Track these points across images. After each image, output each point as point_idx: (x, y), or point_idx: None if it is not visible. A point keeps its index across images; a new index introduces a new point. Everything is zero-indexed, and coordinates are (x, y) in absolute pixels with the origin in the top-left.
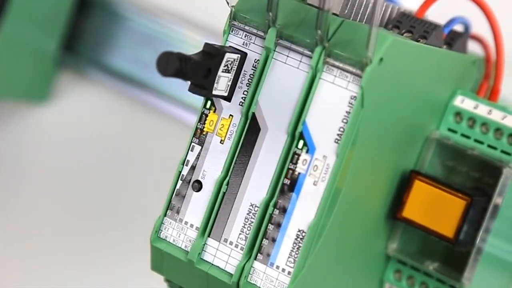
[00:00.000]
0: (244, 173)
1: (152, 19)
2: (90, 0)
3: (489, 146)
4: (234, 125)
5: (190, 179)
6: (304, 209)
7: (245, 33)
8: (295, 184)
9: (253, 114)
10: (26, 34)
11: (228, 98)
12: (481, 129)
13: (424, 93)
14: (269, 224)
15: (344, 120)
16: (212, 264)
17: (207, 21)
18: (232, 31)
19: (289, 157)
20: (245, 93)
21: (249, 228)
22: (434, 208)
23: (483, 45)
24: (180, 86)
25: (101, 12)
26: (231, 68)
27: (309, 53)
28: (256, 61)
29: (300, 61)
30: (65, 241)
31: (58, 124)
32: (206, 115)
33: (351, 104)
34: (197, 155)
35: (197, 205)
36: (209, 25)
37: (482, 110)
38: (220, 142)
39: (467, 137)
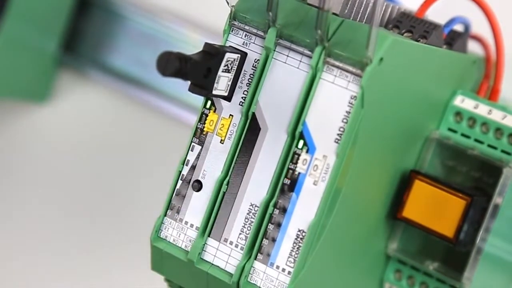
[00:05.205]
0: (244, 173)
1: (152, 19)
2: (90, 0)
3: (489, 145)
4: (234, 125)
5: (190, 179)
6: (304, 209)
7: (245, 33)
8: (295, 184)
9: (253, 114)
10: (26, 34)
11: (228, 98)
12: (481, 128)
13: (424, 93)
14: (269, 224)
15: (344, 120)
16: (212, 264)
17: (207, 21)
18: (232, 31)
19: (289, 157)
20: (245, 93)
21: (249, 228)
22: (434, 208)
23: (483, 45)
24: (180, 86)
25: (101, 12)
26: (231, 68)
27: (309, 53)
28: (256, 61)
29: (300, 61)
30: (64, 241)
31: (58, 124)
32: (206, 115)
33: (351, 104)
34: (197, 155)
35: (197, 205)
36: (209, 25)
37: (482, 110)
38: (220, 142)
39: (467, 136)
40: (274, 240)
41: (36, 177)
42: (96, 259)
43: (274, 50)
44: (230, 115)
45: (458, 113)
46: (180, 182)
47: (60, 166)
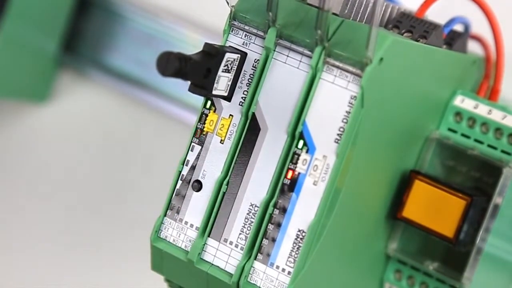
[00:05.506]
0: (244, 173)
1: (152, 19)
2: (90, 0)
3: (489, 146)
4: (234, 125)
5: (190, 179)
6: (304, 209)
7: (245, 33)
8: (295, 184)
9: (253, 114)
10: (26, 34)
11: (228, 98)
12: (481, 129)
13: (424, 93)
14: (269, 224)
15: (344, 120)
16: (212, 264)
17: (207, 21)
18: (232, 31)
19: (289, 157)
20: (245, 93)
21: (249, 228)
22: (434, 208)
23: (483, 45)
24: (180, 86)
25: (101, 12)
26: (231, 68)
27: (309, 53)
28: (256, 61)
29: (300, 61)
30: (64, 240)
31: (58, 124)
32: (206, 115)
33: (351, 104)
34: (197, 155)
35: (197, 205)
36: (209, 25)
37: (482, 110)
38: (220, 142)
39: (467, 137)
40: (274, 240)
41: (36, 177)
42: (96, 259)
43: (274, 50)
44: (230, 115)
45: (458, 113)
46: (180, 182)
47: (60, 166)
